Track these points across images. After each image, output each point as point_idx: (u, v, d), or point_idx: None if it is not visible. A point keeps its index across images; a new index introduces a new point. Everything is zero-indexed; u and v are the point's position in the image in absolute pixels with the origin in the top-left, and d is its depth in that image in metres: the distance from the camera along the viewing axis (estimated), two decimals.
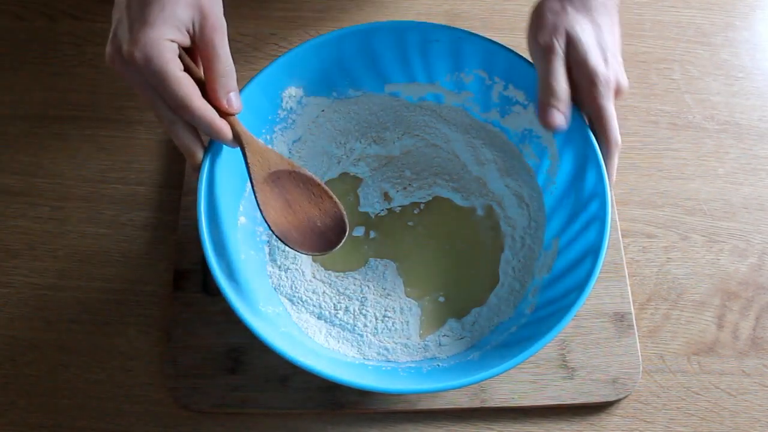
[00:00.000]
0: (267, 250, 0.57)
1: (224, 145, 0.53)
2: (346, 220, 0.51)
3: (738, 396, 0.57)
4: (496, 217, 0.60)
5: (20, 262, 0.60)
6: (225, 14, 0.48)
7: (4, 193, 0.63)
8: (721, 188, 0.65)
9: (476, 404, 0.55)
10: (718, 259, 0.62)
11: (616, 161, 0.53)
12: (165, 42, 0.46)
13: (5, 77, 0.69)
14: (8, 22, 0.72)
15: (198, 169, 0.51)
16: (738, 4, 0.76)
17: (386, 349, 0.55)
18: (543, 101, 0.51)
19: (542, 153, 0.58)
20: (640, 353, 0.57)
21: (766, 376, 0.58)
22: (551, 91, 0.51)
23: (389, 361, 0.54)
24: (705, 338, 0.59)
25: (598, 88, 0.50)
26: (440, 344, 0.55)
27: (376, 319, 0.56)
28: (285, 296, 0.56)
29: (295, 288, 0.56)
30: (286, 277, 0.57)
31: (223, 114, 0.49)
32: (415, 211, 0.61)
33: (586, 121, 0.53)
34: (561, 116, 0.51)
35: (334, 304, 0.56)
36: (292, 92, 0.58)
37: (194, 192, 0.54)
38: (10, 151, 0.65)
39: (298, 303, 0.56)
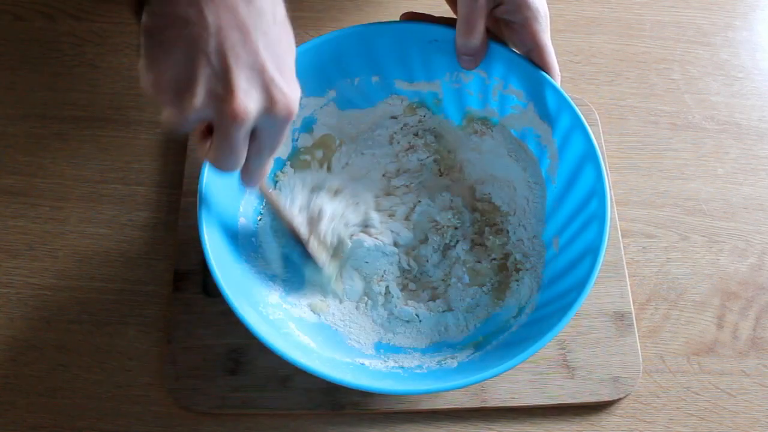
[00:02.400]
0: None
1: None
2: None
3: (738, 396, 0.57)
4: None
5: (20, 262, 0.60)
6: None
7: (4, 193, 0.63)
8: (721, 188, 0.65)
9: (476, 404, 0.55)
10: (718, 259, 0.62)
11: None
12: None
13: (5, 77, 0.69)
14: (8, 22, 0.72)
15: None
16: (738, 4, 0.76)
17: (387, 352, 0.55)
18: (460, 50, 0.55)
19: (541, 152, 0.58)
20: (640, 352, 0.57)
21: (766, 376, 0.58)
22: (467, 45, 0.54)
23: (389, 363, 0.54)
24: (705, 338, 0.59)
25: (540, 24, 0.53)
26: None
27: (375, 323, 0.56)
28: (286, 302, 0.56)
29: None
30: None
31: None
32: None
33: (585, 121, 0.53)
34: (473, 63, 0.56)
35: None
36: None
37: (194, 193, 0.54)
38: (10, 151, 0.65)
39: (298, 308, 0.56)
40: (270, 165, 0.47)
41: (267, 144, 0.44)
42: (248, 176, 0.46)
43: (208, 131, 0.43)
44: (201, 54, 0.38)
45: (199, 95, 0.39)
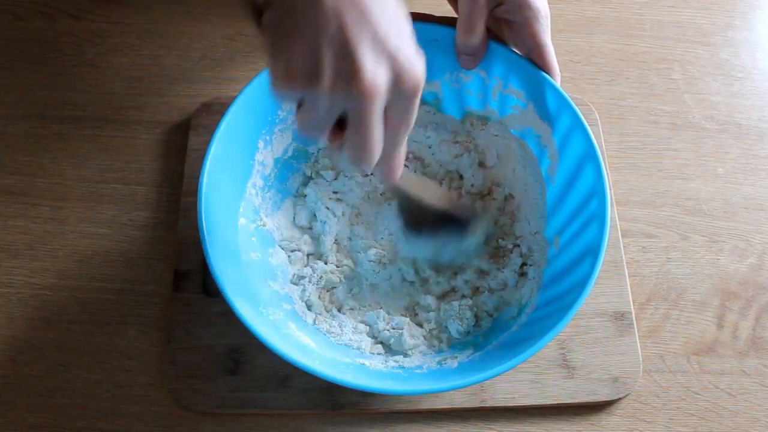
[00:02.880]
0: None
1: (224, 147, 0.53)
2: None
3: (738, 396, 0.57)
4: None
5: (20, 262, 0.60)
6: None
7: (4, 193, 0.63)
8: (721, 188, 0.65)
9: (476, 404, 0.55)
10: (718, 259, 0.62)
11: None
12: None
13: (5, 77, 0.69)
14: (8, 22, 0.72)
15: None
16: (738, 4, 0.76)
17: (386, 352, 0.55)
18: (460, 49, 0.55)
19: (541, 152, 0.58)
20: (640, 352, 0.57)
21: (766, 376, 0.58)
22: (467, 44, 0.54)
23: (389, 363, 0.54)
24: (705, 338, 0.59)
25: (540, 23, 0.52)
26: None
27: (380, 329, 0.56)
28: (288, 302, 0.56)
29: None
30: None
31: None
32: None
33: (585, 121, 0.53)
34: (473, 63, 0.56)
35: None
36: None
37: (194, 193, 0.54)
38: (10, 151, 0.65)
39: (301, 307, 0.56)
40: (404, 152, 0.47)
41: (401, 123, 0.43)
42: (387, 167, 0.46)
43: (340, 127, 0.43)
44: (323, 38, 0.39)
45: (328, 76, 0.39)
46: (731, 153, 0.67)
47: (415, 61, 0.41)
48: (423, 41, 0.56)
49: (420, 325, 0.56)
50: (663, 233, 0.63)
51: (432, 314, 0.57)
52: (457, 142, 0.62)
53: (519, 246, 0.59)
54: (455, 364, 0.52)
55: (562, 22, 0.73)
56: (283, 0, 0.40)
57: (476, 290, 0.58)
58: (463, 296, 0.58)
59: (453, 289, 0.58)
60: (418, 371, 0.52)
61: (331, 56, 0.39)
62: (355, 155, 0.43)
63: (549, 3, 0.54)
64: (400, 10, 0.42)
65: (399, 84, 0.41)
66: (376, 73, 0.39)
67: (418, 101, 0.42)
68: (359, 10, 0.39)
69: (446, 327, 0.56)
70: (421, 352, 0.55)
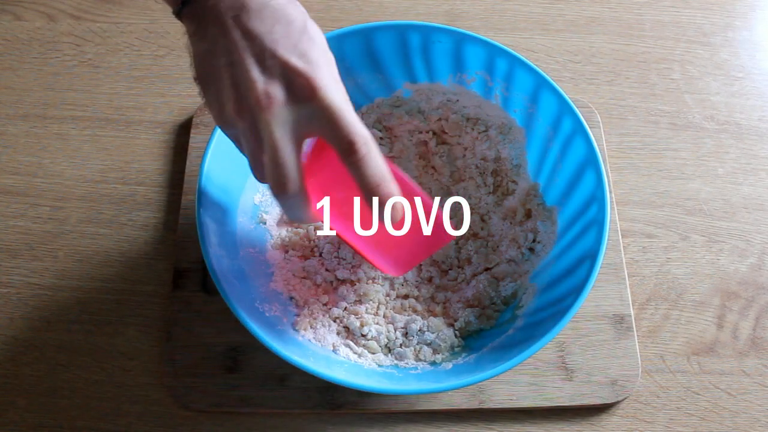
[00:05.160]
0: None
1: (225, 143, 0.53)
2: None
3: (738, 396, 0.57)
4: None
5: (20, 262, 0.60)
6: None
7: (4, 193, 0.63)
8: (721, 188, 0.65)
9: (475, 405, 0.55)
10: (718, 259, 0.62)
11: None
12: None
13: (5, 77, 0.69)
14: (8, 22, 0.72)
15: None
16: (738, 4, 0.76)
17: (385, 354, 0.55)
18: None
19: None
20: (639, 355, 0.57)
21: (766, 376, 0.58)
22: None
23: (387, 364, 0.54)
24: (705, 338, 0.59)
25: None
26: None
27: (377, 331, 0.56)
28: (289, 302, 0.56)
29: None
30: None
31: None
32: None
33: (587, 126, 0.53)
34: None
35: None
36: None
37: (194, 191, 0.54)
38: (10, 151, 0.65)
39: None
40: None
41: (324, 135, 0.40)
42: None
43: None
44: (221, 72, 0.41)
45: (230, 105, 0.40)
46: (731, 153, 0.67)
47: (307, 65, 0.39)
48: (426, 41, 0.57)
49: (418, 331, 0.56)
50: (663, 233, 0.63)
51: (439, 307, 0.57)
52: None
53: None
54: (450, 365, 0.52)
55: (562, 22, 0.73)
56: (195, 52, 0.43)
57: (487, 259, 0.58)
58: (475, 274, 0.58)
59: (468, 259, 0.59)
60: (413, 372, 0.52)
61: (229, 87, 0.40)
62: (273, 181, 0.40)
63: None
64: (295, 17, 0.41)
65: (293, 91, 0.39)
66: (267, 86, 0.39)
67: (324, 108, 0.39)
68: (247, 33, 0.40)
69: (454, 315, 0.56)
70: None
